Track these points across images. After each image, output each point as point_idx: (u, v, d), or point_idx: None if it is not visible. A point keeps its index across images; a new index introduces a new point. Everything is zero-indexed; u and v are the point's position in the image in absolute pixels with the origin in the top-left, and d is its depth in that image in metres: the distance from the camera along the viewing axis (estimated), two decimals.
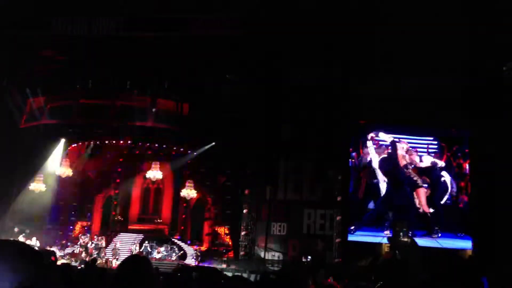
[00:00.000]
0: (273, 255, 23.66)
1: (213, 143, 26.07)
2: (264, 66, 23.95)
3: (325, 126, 23.74)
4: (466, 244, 22.05)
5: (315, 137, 23.72)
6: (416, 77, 22.44)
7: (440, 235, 22.07)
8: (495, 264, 18.69)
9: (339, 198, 23.29)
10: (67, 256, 23.83)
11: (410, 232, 20.00)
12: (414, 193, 22.67)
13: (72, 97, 26.27)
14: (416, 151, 23.16)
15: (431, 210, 22.43)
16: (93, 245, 24.52)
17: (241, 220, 24.72)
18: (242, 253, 23.91)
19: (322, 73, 23.68)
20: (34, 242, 22.64)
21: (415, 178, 22.72)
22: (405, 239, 16.95)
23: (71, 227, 27.65)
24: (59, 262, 20.70)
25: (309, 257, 22.16)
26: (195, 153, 27.06)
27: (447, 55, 21.21)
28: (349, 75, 23.53)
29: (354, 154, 23.57)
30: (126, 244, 25.18)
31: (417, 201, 22.55)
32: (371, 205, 22.89)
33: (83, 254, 23.79)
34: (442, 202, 22.69)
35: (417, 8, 20.01)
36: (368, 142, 23.28)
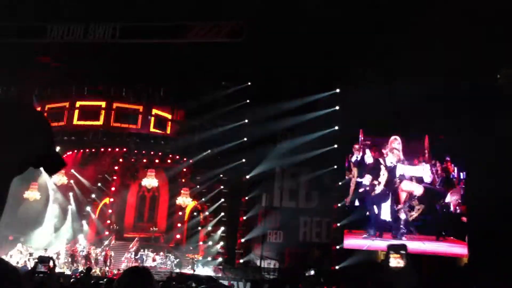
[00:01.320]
0: (269, 263, 23.56)
1: (209, 151, 26.00)
2: (261, 74, 24.01)
3: (321, 134, 23.75)
4: (461, 251, 22.04)
5: (311, 144, 23.71)
6: (409, 86, 22.53)
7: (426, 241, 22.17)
8: (489, 271, 18.71)
9: (335, 206, 23.26)
10: (61, 265, 23.64)
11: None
12: (405, 196, 22.75)
13: (68, 104, 26.18)
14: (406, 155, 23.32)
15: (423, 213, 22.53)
16: (82, 253, 24.34)
17: (237, 227, 24.65)
18: (238, 261, 23.81)
19: (319, 81, 23.79)
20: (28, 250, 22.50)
21: (406, 184, 22.84)
22: (400, 265, 15.95)
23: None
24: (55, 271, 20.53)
25: (312, 271, 21.95)
26: (191, 161, 26.97)
27: (438, 64, 21.32)
28: (344, 84, 23.66)
29: (349, 161, 23.60)
30: (121, 252, 25.01)
31: (407, 205, 22.62)
32: (366, 210, 22.90)
33: (74, 264, 23.62)
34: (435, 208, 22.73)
35: (410, 18, 20.13)
36: (363, 149, 23.35)
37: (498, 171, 20.33)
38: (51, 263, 10.21)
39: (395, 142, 23.32)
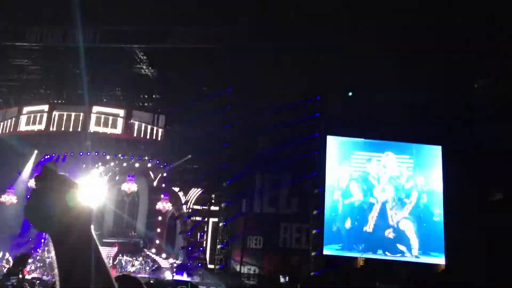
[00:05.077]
0: (249, 269, 23.55)
1: (189, 156, 25.93)
2: (242, 79, 24.04)
3: (302, 140, 23.89)
4: (438, 259, 22.35)
5: (292, 150, 23.82)
6: (389, 94, 22.86)
7: (412, 251, 22.42)
8: (466, 278, 19.05)
9: (315, 212, 23.38)
10: (38, 270, 23.28)
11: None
12: (386, 208, 23.00)
13: (46, 108, 25.80)
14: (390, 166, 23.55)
15: (406, 225, 22.78)
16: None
17: (217, 233, 24.59)
18: (217, 266, 23.74)
19: (298, 87, 23.93)
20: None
21: (388, 193, 23.07)
22: None
23: (42, 240, 26.99)
24: (30, 276, 20.20)
25: (287, 277, 22.02)
26: (171, 166, 26.87)
27: (417, 71, 21.68)
28: (325, 91, 23.88)
29: (329, 168, 23.74)
30: None
31: (389, 217, 22.86)
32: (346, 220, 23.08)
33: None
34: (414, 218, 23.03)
35: (388, 24, 20.41)
36: (344, 157, 23.57)
37: (475, 179, 20.77)
38: (19, 275, 9.92)
39: (386, 158, 23.43)
